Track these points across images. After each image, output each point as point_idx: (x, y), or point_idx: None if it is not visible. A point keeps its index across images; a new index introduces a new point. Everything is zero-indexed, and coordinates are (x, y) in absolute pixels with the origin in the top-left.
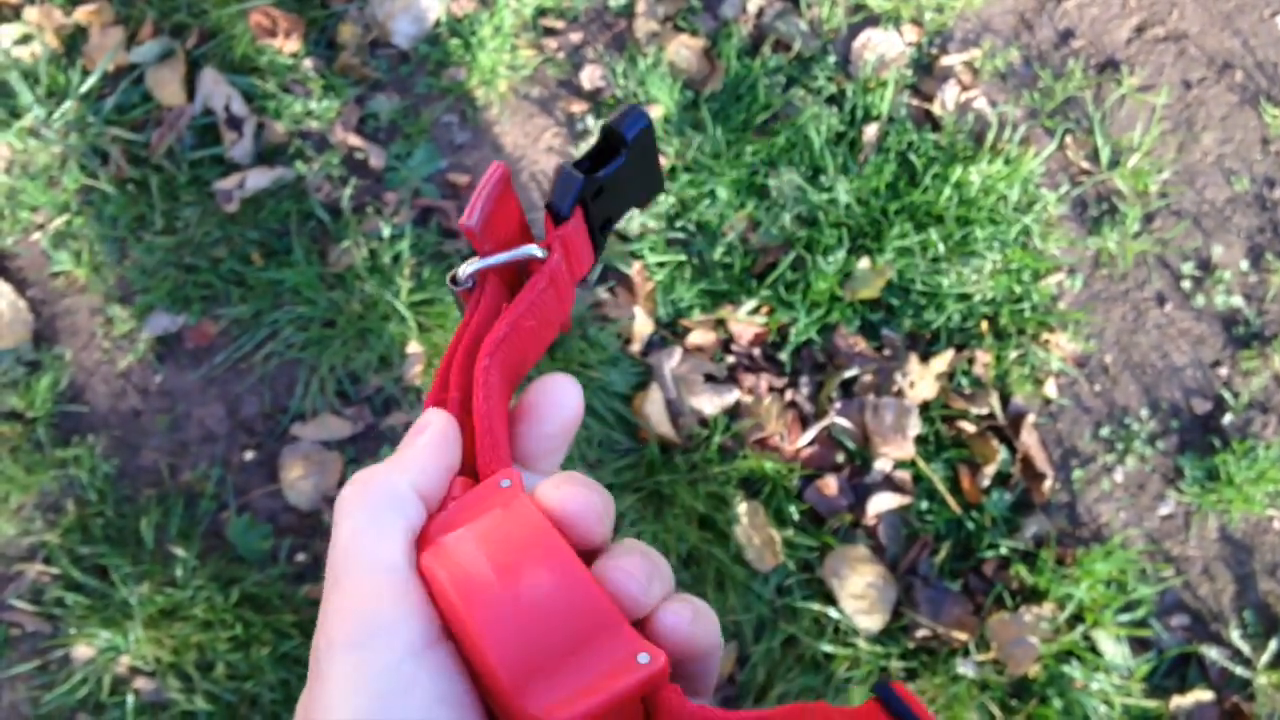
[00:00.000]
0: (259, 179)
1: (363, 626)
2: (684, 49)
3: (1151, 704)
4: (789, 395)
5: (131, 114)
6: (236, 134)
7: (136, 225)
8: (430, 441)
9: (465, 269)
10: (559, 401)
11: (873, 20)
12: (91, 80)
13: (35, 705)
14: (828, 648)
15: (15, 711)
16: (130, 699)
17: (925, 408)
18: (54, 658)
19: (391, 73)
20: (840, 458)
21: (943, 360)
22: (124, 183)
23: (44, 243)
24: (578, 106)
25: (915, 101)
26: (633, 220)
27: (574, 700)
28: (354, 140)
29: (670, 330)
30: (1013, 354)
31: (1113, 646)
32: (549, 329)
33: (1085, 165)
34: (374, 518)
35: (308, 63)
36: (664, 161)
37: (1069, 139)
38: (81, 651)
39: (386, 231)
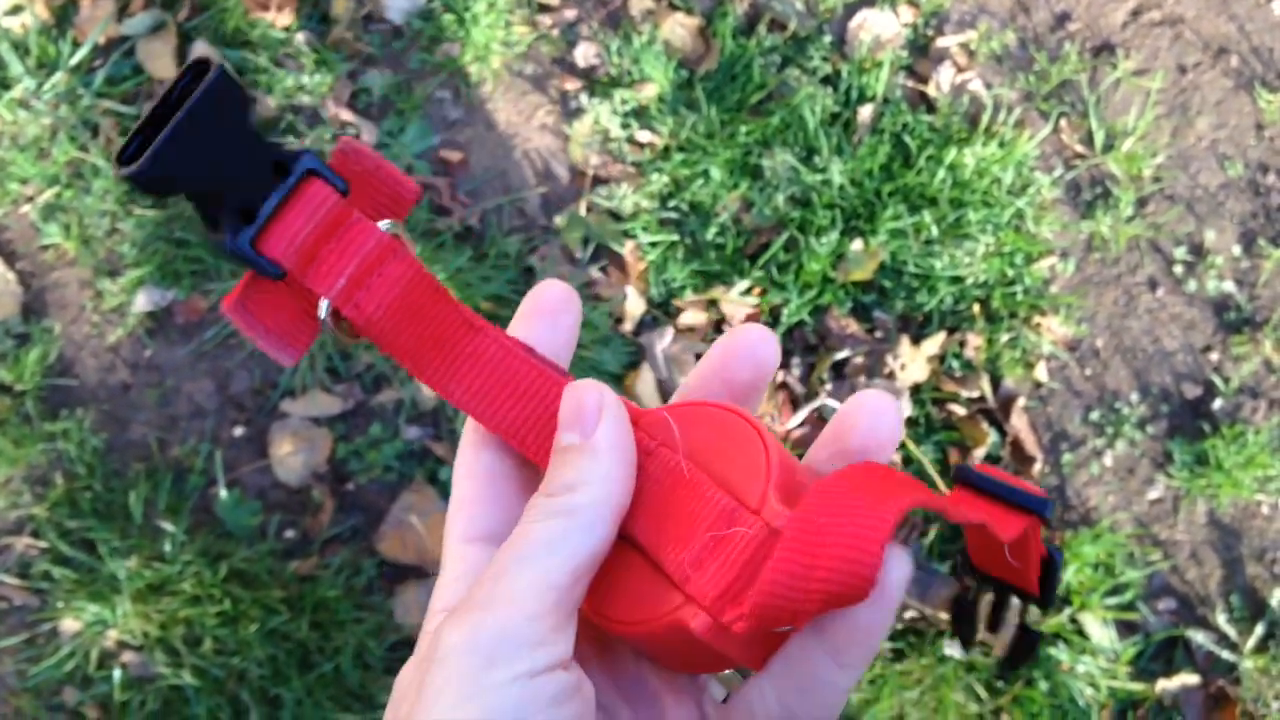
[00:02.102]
0: None
1: (502, 638)
2: (679, 27)
3: (1137, 687)
4: (780, 376)
5: (122, 86)
6: None
7: (126, 199)
8: (618, 448)
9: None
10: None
11: (869, 0)
12: (82, 52)
13: (22, 678)
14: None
15: (2, 684)
16: (118, 672)
17: (916, 390)
18: (41, 631)
19: (384, 48)
20: None
21: (934, 343)
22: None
23: (33, 215)
24: (571, 84)
25: (910, 83)
26: (626, 199)
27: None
28: (346, 115)
29: (662, 310)
30: (1004, 337)
31: (1099, 629)
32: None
33: (1079, 149)
34: (564, 533)
35: (300, 37)
36: (657, 141)
37: (1064, 122)
38: (69, 625)
39: None
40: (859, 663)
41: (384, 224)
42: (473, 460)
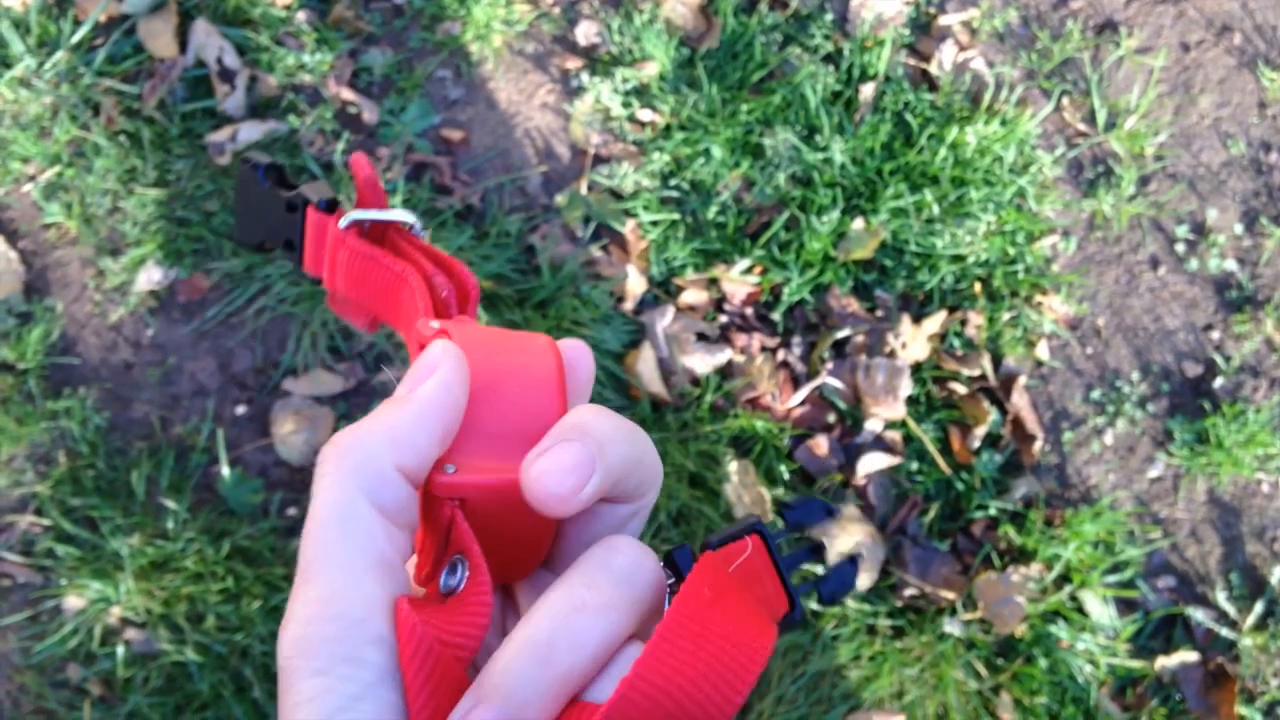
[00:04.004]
0: (251, 132)
1: (329, 650)
2: (680, 5)
3: (1137, 664)
4: (781, 355)
5: (123, 65)
6: (229, 87)
7: (128, 177)
8: (431, 403)
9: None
10: (574, 364)
11: None
12: (83, 30)
13: (26, 655)
14: (816, 606)
15: (7, 661)
16: (121, 650)
17: (917, 369)
18: (45, 608)
19: (385, 26)
20: (831, 418)
21: (935, 321)
22: (116, 134)
23: (35, 194)
24: (572, 63)
25: (912, 61)
26: (627, 178)
27: (478, 471)
28: (347, 94)
29: (663, 289)
30: (1005, 316)
31: (1099, 607)
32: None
33: (1081, 127)
34: (350, 506)
35: (301, 15)
36: (659, 120)
37: (1066, 100)
38: (72, 602)
39: None
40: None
41: (343, 220)
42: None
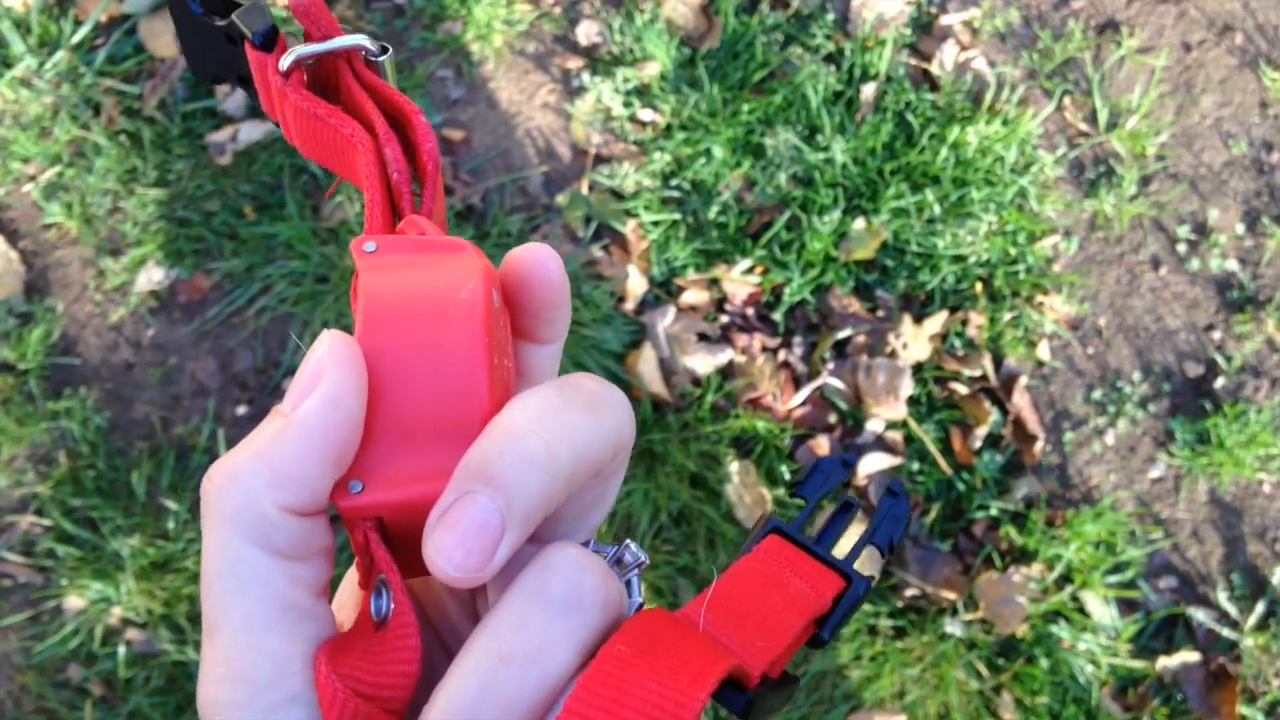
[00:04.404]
0: (252, 132)
1: (240, 717)
2: (681, 5)
3: (1138, 664)
4: (782, 355)
5: (124, 65)
6: (229, 87)
7: (129, 177)
8: (316, 425)
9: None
10: (534, 271)
11: None
12: (84, 30)
13: (27, 655)
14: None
15: (8, 661)
16: (122, 650)
17: (918, 369)
18: (46, 609)
19: (386, 26)
20: (832, 418)
21: (936, 322)
22: (116, 134)
23: (35, 194)
24: (573, 63)
25: (913, 61)
26: (627, 178)
27: (396, 486)
28: None
29: (664, 289)
30: (1006, 316)
31: (1100, 607)
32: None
33: (1083, 127)
34: (237, 556)
35: None
36: (660, 120)
37: (1067, 100)
38: (73, 603)
39: None
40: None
41: (282, 60)
42: None
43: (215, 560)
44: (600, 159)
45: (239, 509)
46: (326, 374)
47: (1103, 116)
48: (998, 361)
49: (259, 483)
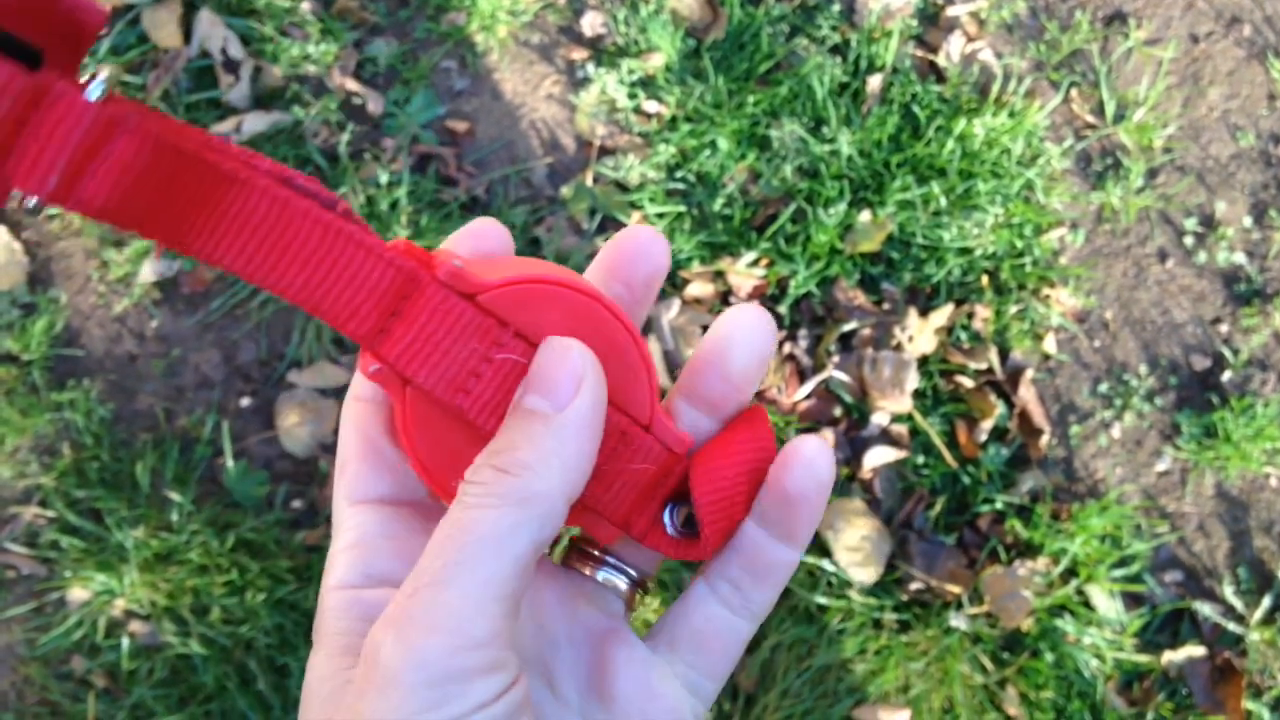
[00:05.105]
0: (256, 123)
1: (451, 664)
2: None
3: (1143, 659)
4: (787, 348)
5: (127, 55)
6: (233, 77)
7: None
8: (586, 421)
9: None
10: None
11: None
12: None
13: (31, 647)
14: (821, 599)
15: (11, 653)
16: (125, 642)
17: (924, 362)
18: (49, 600)
19: (390, 17)
20: (837, 411)
21: (942, 314)
22: None
23: None
24: (578, 54)
25: (920, 52)
26: (632, 170)
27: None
28: (352, 85)
29: (669, 282)
30: (1012, 309)
31: (1106, 601)
32: None
33: (1090, 119)
34: (516, 527)
35: (305, 5)
36: (664, 111)
37: (1074, 92)
38: (77, 594)
39: (384, 178)
40: (801, 536)
41: (95, 86)
42: (352, 412)
43: (485, 527)
44: (605, 151)
45: (537, 495)
46: (588, 376)
47: (1110, 108)
48: (1004, 354)
49: (555, 473)
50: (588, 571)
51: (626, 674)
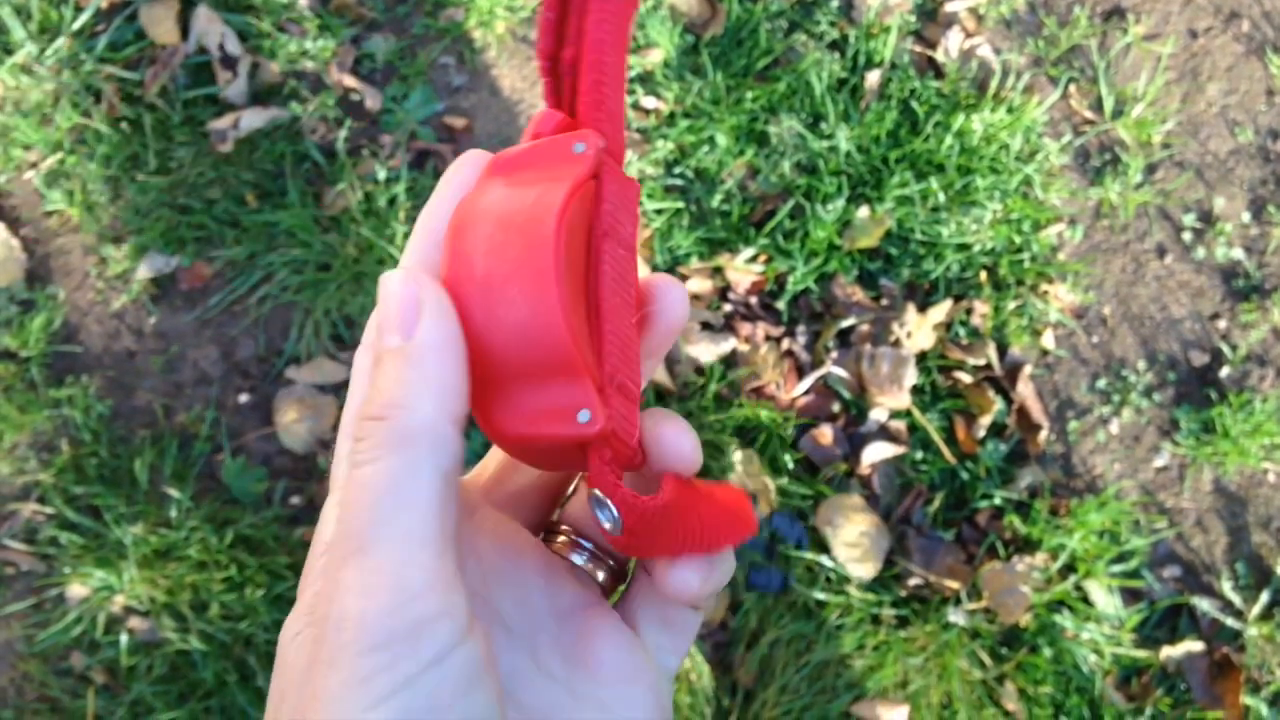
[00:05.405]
0: (253, 119)
1: (393, 623)
2: None
3: (1142, 654)
4: (785, 344)
5: (125, 52)
6: (231, 73)
7: (130, 165)
8: (441, 339)
9: None
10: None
11: None
12: (84, 17)
13: (30, 643)
14: (820, 595)
15: (10, 649)
16: (124, 638)
17: (922, 358)
18: (48, 596)
19: (388, 13)
20: (836, 407)
21: (940, 310)
22: (117, 122)
23: (37, 181)
24: None
25: (918, 48)
26: (631, 166)
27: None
28: (349, 81)
29: None
30: (1011, 305)
31: (1104, 597)
32: None
33: (1088, 115)
34: (410, 468)
35: (303, 1)
36: (663, 107)
37: (1073, 88)
38: (76, 591)
39: (382, 174)
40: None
41: None
42: (362, 365)
43: (381, 479)
44: None
45: (415, 429)
46: (425, 299)
47: (1108, 104)
48: (1002, 350)
49: (425, 401)
50: (569, 556)
51: (609, 646)
